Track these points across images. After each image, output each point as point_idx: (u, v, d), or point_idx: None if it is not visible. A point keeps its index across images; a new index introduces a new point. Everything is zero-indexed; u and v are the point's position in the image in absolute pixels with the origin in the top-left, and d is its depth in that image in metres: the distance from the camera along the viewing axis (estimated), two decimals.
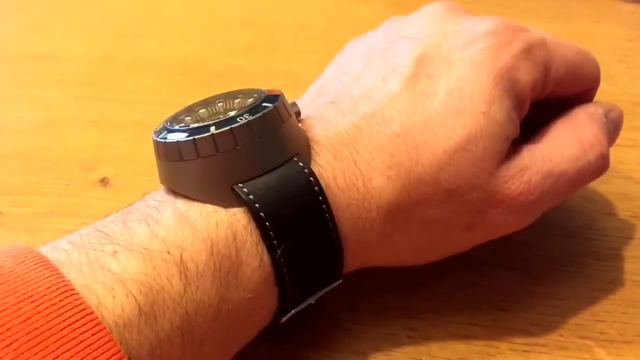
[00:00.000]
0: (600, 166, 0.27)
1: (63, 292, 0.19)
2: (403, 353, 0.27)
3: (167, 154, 0.23)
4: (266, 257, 0.23)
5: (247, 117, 0.23)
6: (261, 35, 0.45)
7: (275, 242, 0.23)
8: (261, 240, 0.23)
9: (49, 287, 0.19)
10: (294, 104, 0.26)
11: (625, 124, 0.37)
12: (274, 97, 0.25)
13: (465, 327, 0.28)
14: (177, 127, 0.24)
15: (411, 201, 0.25)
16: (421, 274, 0.29)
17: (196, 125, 0.23)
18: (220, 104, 0.25)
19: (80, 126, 0.38)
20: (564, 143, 0.27)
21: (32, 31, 0.46)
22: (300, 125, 0.25)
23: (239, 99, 0.25)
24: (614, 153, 0.35)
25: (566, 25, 0.46)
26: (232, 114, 0.24)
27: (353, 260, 0.26)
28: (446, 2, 0.29)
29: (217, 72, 0.42)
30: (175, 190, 0.24)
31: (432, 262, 0.29)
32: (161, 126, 0.25)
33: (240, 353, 0.24)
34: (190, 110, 0.25)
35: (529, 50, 0.27)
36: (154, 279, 0.20)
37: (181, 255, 0.21)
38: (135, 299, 0.20)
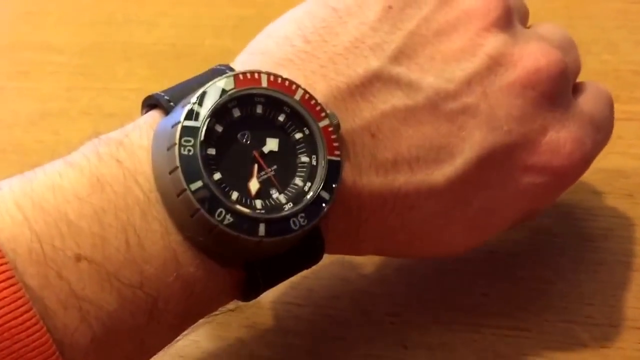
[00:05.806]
0: None
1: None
2: (385, 339, 0.27)
3: (190, 209, 0.19)
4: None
5: (302, 221, 0.20)
6: (249, 15, 0.44)
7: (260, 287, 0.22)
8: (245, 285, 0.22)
9: None
10: (334, 115, 0.21)
11: (624, 95, 0.36)
12: (334, 170, 0.21)
13: (449, 313, 0.27)
14: (193, 158, 0.19)
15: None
16: (402, 261, 0.29)
17: (238, 207, 0.20)
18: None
19: (73, 117, 0.38)
20: None
21: (24, 21, 0.46)
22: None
23: (283, 117, 0.21)
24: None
25: None
26: (282, 203, 0.20)
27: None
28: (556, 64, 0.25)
29: (207, 55, 0.41)
30: (174, 220, 0.20)
31: None
32: (170, 133, 0.20)
33: None
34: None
35: (568, 186, 0.26)
36: (116, 311, 0.19)
37: (156, 300, 0.19)
38: (89, 324, 0.18)
